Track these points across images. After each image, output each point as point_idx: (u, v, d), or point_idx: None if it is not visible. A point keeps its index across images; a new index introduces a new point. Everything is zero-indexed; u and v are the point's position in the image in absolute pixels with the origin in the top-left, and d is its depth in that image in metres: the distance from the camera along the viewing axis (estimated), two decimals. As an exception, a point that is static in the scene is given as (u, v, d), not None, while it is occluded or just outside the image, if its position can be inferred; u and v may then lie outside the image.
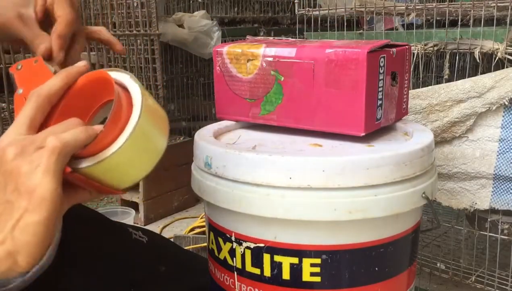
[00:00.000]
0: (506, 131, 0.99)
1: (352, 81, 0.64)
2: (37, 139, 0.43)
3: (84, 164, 0.46)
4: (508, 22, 1.00)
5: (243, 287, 0.64)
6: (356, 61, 0.63)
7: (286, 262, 0.60)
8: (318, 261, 0.60)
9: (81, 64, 0.51)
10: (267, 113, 0.72)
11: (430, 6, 1.13)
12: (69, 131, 0.44)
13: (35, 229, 0.42)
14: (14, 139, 0.44)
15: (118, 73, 0.51)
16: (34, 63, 0.55)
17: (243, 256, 0.63)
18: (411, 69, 1.23)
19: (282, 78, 0.69)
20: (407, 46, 0.73)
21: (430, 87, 1.04)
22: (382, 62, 0.66)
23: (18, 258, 0.42)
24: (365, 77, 0.63)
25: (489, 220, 1.07)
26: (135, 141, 0.47)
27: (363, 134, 0.65)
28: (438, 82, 1.29)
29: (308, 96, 0.68)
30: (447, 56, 1.10)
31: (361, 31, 1.31)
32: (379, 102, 0.68)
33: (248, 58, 0.72)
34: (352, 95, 0.64)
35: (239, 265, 0.64)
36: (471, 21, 1.10)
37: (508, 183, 1.01)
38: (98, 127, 0.46)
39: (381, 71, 0.66)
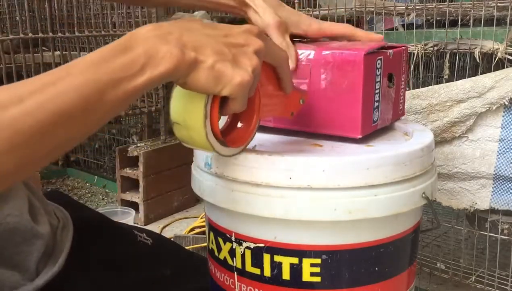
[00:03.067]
0: (506, 131, 0.99)
1: (349, 83, 0.63)
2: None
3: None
4: (508, 22, 1.00)
5: (243, 287, 0.64)
6: (353, 63, 0.63)
7: (286, 262, 0.60)
8: (318, 261, 0.60)
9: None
10: None
11: (430, 6, 1.13)
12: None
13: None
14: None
15: None
16: None
17: (243, 256, 0.63)
18: (409, 69, 1.24)
19: None
20: (403, 47, 0.73)
21: (430, 87, 1.04)
22: (379, 64, 0.66)
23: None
24: (362, 80, 0.62)
25: (489, 220, 1.07)
26: None
27: (360, 136, 0.65)
28: (438, 82, 1.29)
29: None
30: (447, 56, 1.10)
31: (361, 31, 1.31)
32: (376, 104, 0.67)
33: None
34: (349, 98, 0.64)
35: (239, 265, 0.64)
36: (471, 21, 1.10)
37: (508, 183, 1.01)
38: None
39: (378, 73, 0.66)
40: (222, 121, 0.58)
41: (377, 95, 0.67)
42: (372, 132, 0.72)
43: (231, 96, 0.49)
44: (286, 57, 0.56)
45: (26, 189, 0.61)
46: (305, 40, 0.74)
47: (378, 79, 0.66)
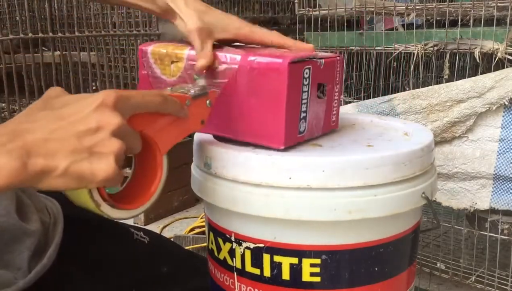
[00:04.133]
0: (506, 131, 0.99)
1: (272, 91, 0.61)
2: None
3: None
4: (508, 22, 1.00)
5: (243, 287, 0.64)
6: (277, 72, 0.60)
7: (286, 262, 0.60)
8: (318, 261, 0.60)
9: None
10: None
11: (430, 6, 1.13)
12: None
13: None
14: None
15: None
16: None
17: (243, 256, 0.63)
18: (409, 69, 1.24)
19: None
20: (338, 58, 0.70)
21: (430, 87, 1.04)
22: (307, 73, 0.63)
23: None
24: (286, 88, 0.60)
25: (489, 220, 1.07)
26: None
27: (282, 147, 0.62)
28: (438, 82, 1.29)
29: (229, 104, 0.65)
30: (447, 56, 1.10)
31: (361, 31, 1.31)
32: (303, 114, 0.65)
33: (172, 59, 0.69)
34: (273, 106, 0.61)
35: (239, 265, 0.64)
36: (471, 21, 1.10)
37: (508, 183, 1.01)
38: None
39: (306, 82, 0.63)
40: None
41: (304, 106, 0.64)
42: (372, 131, 0.72)
43: (101, 186, 0.45)
44: (158, 101, 0.51)
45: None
46: (239, 44, 0.71)
47: (305, 89, 0.64)
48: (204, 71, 0.65)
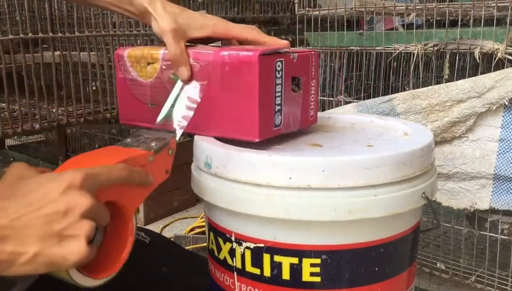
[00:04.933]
0: (506, 131, 0.99)
1: (245, 84, 0.62)
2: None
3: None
4: (508, 22, 1.00)
5: (243, 287, 0.64)
6: (248, 64, 0.61)
7: (286, 262, 0.60)
8: (318, 261, 0.60)
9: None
10: (167, 118, 0.69)
11: (430, 6, 1.13)
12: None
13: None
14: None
15: None
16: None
17: (243, 256, 0.63)
18: (409, 69, 1.24)
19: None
20: (312, 52, 0.71)
21: (430, 87, 1.04)
22: (279, 66, 0.64)
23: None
24: (258, 81, 0.61)
25: (489, 220, 1.07)
26: None
27: (257, 140, 0.63)
28: (438, 82, 1.29)
29: (204, 100, 0.66)
30: (447, 56, 1.10)
31: (361, 31, 1.31)
32: (278, 107, 0.65)
33: (148, 61, 0.70)
34: (246, 99, 0.63)
35: (239, 265, 0.64)
36: (471, 21, 1.10)
37: (508, 183, 1.01)
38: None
39: (278, 75, 0.64)
40: None
41: (278, 99, 0.65)
42: (371, 131, 0.72)
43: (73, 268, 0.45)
44: (124, 175, 0.50)
45: None
46: (214, 45, 0.72)
47: (279, 82, 0.65)
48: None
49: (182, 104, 0.68)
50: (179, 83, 0.68)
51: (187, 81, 0.67)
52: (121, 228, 0.52)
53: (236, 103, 0.64)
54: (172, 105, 0.69)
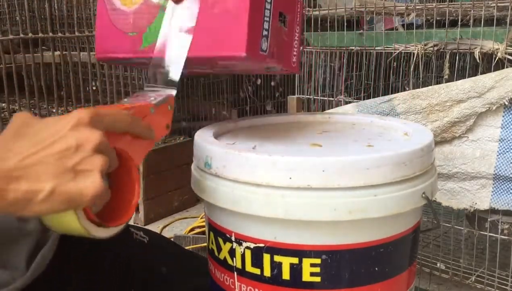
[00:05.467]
0: (506, 131, 0.99)
1: (237, 1, 0.62)
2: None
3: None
4: (508, 22, 1.00)
5: (243, 287, 0.64)
6: None
7: (286, 262, 0.60)
8: (318, 261, 0.60)
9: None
10: (148, 45, 0.68)
11: (430, 6, 1.13)
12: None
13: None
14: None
15: None
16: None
17: (243, 256, 0.63)
18: (409, 69, 1.24)
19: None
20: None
21: (430, 87, 1.04)
22: None
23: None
24: None
25: (489, 220, 1.07)
26: None
27: (244, 54, 0.62)
28: (438, 82, 1.29)
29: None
30: (447, 56, 1.10)
31: (361, 31, 1.31)
32: (265, 32, 0.65)
33: None
34: (236, 16, 0.62)
35: (239, 265, 0.64)
36: (471, 21, 1.10)
37: (508, 183, 1.01)
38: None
39: (269, 0, 0.65)
40: None
41: (266, 24, 0.65)
42: (369, 130, 0.72)
43: (91, 204, 0.45)
44: (129, 121, 0.51)
45: None
46: None
47: (268, 7, 0.65)
48: None
49: (171, 26, 0.67)
50: (169, 5, 0.67)
51: (177, 1, 0.66)
52: (126, 179, 0.52)
53: (226, 20, 0.63)
54: (157, 29, 0.68)
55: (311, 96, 1.31)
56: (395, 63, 1.45)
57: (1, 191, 0.39)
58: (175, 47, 0.67)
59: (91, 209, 0.46)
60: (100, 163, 0.43)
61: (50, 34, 1.64)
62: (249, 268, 0.63)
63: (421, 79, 1.29)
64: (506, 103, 0.97)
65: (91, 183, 0.42)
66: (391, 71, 1.47)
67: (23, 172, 0.40)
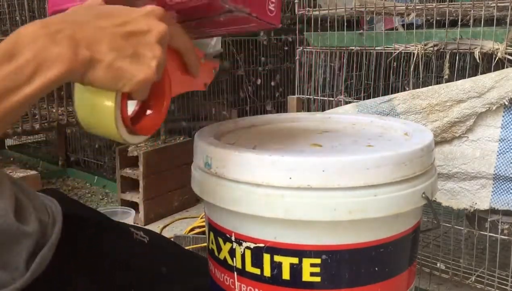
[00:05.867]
0: (506, 131, 0.99)
1: None
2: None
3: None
4: (508, 22, 1.00)
5: (243, 287, 0.64)
6: None
7: (286, 262, 0.60)
8: (318, 261, 0.60)
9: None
10: None
11: (430, 6, 1.13)
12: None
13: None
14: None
15: None
16: None
17: (243, 256, 0.63)
18: (409, 69, 1.24)
19: None
20: None
21: (430, 87, 1.04)
22: None
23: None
24: None
25: (489, 220, 1.07)
26: None
27: None
28: (438, 82, 1.29)
29: None
30: (447, 56, 1.10)
31: (361, 31, 1.31)
32: None
33: None
34: None
35: (239, 265, 0.64)
36: (471, 21, 1.10)
37: (508, 183, 1.01)
38: None
39: None
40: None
41: None
42: (372, 131, 0.71)
43: (133, 92, 0.46)
44: (190, 43, 0.53)
45: (14, 186, 0.60)
46: None
47: None
48: None
49: None
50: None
51: None
52: (158, 93, 0.53)
53: None
54: None
55: (311, 96, 1.31)
56: (395, 63, 1.45)
57: (74, 53, 0.41)
58: None
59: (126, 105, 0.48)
60: (159, 54, 0.45)
61: (50, 34, 1.64)
62: (249, 268, 0.63)
63: (421, 79, 1.29)
64: (506, 103, 0.97)
65: (147, 68, 0.45)
66: (391, 71, 1.47)
67: (91, 40, 0.43)
